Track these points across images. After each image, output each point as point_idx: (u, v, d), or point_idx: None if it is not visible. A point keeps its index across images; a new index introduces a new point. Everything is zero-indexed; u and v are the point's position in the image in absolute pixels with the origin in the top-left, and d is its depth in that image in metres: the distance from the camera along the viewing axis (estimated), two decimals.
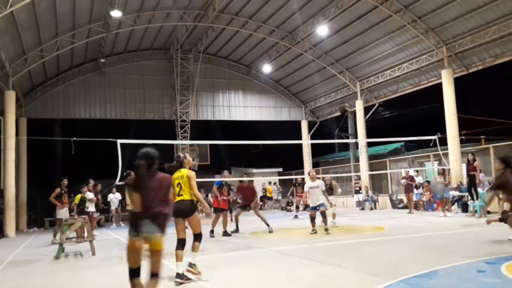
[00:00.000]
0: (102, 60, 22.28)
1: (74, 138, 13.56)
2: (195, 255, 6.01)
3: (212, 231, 11.19)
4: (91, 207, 12.49)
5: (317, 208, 10.90)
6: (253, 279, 5.83)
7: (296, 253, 7.69)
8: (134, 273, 4.21)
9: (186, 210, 5.96)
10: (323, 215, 10.76)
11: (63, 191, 12.37)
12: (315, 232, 10.67)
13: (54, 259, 8.65)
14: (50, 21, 16.58)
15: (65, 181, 12.53)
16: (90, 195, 12.61)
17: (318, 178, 11.47)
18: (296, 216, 16.96)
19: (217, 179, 13.96)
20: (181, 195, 5.99)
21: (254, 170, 30.17)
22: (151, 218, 4.06)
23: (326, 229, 10.67)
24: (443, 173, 14.92)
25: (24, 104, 21.32)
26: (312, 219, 10.90)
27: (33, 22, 15.78)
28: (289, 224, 14.33)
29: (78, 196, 12.40)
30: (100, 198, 15.25)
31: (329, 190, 13.24)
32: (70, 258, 8.81)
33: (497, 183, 7.70)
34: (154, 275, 4.11)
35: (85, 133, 22.22)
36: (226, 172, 12.82)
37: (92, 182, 14.15)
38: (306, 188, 11.08)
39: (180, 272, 5.59)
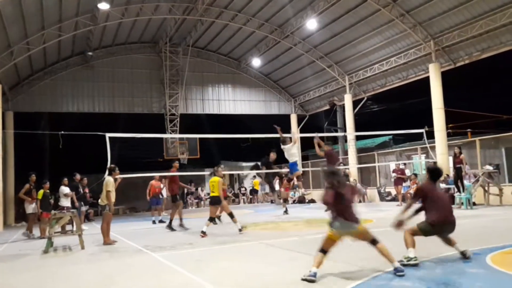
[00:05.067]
0: (90, 53, 22.04)
1: (62, 132, 13.43)
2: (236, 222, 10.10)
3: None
4: (65, 202, 12.36)
5: None
6: (242, 272, 5.87)
7: (285, 246, 7.76)
8: (325, 251, 5.26)
9: (216, 201, 10.15)
10: None
11: (32, 187, 12.32)
12: None
13: (43, 253, 8.62)
14: (36, 14, 16.32)
15: (33, 177, 12.48)
16: (65, 189, 12.49)
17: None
18: (286, 211, 15.62)
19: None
20: (213, 192, 10.14)
21: (244, 164, 30.19)
22: (344, 218, 5.22)
23: None
24: None
25: (11, 97, 21.03)
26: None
27: (19, 15, 15.53)
28: (277, 218, 14.38)
29: (41, 192, 12.00)
30: (88, 191, 15.20)
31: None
32: (59, 253, 8.78)
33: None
34: (375, 241, 5.40)
35: (73, 127, 22.03)
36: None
37: (78, 176, 14.05)
38: None
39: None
